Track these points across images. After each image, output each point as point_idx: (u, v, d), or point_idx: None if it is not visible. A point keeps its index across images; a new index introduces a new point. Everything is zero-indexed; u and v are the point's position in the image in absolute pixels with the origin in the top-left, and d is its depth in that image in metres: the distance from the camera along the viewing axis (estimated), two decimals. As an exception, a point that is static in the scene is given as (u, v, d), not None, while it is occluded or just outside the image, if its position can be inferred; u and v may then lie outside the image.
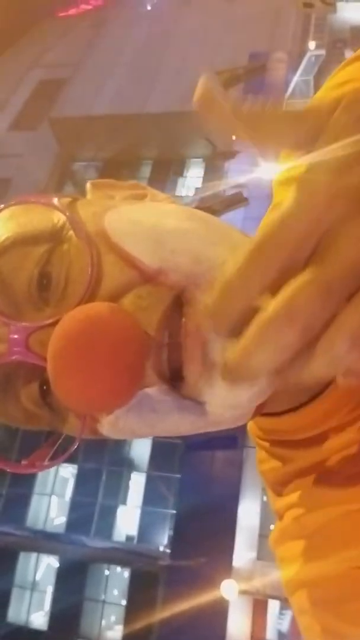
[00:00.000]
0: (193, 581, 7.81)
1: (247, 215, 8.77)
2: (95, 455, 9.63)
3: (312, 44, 14.10)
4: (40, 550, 9.95)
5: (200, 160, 13.15)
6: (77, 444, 0.38)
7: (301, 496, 0.46)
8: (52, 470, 10.31)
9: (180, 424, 0.37)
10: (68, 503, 10.14)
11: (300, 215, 0.22)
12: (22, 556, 10.12)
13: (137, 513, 9.77)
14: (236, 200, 9.55)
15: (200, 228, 0.37)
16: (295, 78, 13.19)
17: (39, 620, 9.78)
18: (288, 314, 0.22)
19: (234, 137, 0.26)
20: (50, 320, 0.35)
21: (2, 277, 0.37)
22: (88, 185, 0.48)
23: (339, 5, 15.38)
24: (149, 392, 0.35)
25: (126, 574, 9.64)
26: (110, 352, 0.31)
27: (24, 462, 0.40)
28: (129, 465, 10.15)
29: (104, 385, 0.31)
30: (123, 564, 9.54)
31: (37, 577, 10.02)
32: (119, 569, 9.77)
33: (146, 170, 13.14)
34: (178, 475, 9.45)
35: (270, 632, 8.54)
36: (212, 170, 12.46)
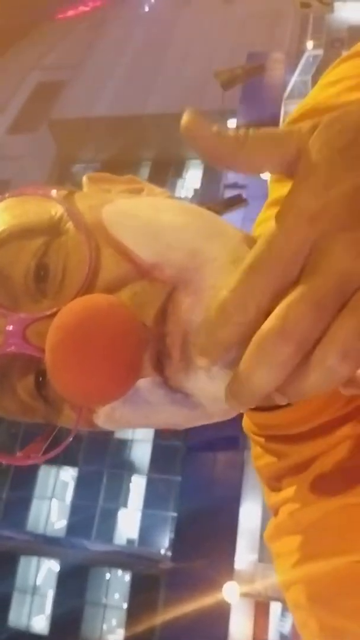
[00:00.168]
0: (194, 584, 7.81)
1: (247, 216, 8.79)
2: (95, 458, 9.64)
3: (309, 44, 14.13)
4: (41, 554, 9.96)
5: (199, 161, 13.16)
6: (73, 435, 0.38)
7: (296, 491, 0.46)
8: (53, 473, 10.31)
9: (174, 415, 0.37)
10: (68, 506, 10.15)
11: (286, 237, 0.24)
12: (23, 560, 10.12)
13: (138, 516, 9.78)
14: (236, 201, 9.56)
15: (195, 223, 0.37)
16: (294, 78, 13.22)
17: (40, 624, 9.77)
18: (282, 332, 0.24)
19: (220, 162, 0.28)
20: (47, 312, 0.35)
21: None
22: (84, 178, 0.49)
23: (337, 5, 15.40)
24: (144, 384, 0.35)
25: (127, 577, 9.64)
26: (108, 344, 0.31)
27: (18, 454, 0.40)
28: (130, 468, 10.15)
29: (102, 377, 0.31)
30: (124, 567, 9.55)
31: (38, 581, 10.02)
32: (120, 572, 9.77)
33: (145, 172, 13.15)
34: (179, 478, 9.46)
35: (272, 635, 8.54)
36: (211, 172, 12.47)
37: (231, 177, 11.00)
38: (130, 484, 10.11)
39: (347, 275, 0.23)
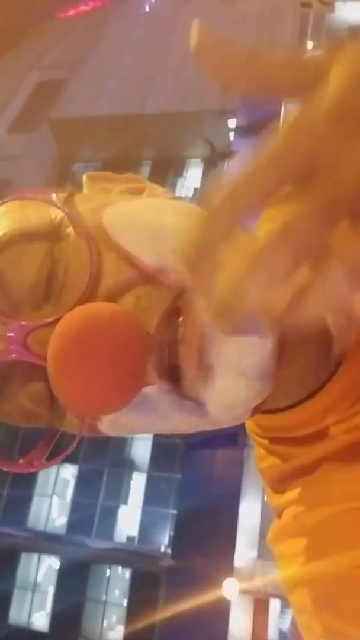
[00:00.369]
0: (194, 581, 7.80)
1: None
2: (96, 456, 9.62)
3: (309, 44, 14.10)
4: (41, 551, 9.94)
5: (199, 160, 13.14)
6: (77, 442, 0.38)
7: (301, 494, 0.45)
8: (53, 471, 10.30)
9: (181, 423, 0.37)
10: (69, 504, 10.13)
11: (303, 130, 0.21)
12: (24, 557, 10.10)
13: (138, 513, 9.76)
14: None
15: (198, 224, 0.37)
16: (294, 78, 13.17)
17: (41, 621, 9.76)
18: (284, 233, 0.21)
19: (234, 87, 0.24)
20: (49, 320, 0.34)
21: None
22: (85, 178, 0.47)
23: (337, 5, 15.37)
24: (150, 391, 0.35)
25: (127, 574, 9.62)
26: (111, 353, 0.31)
27: (20, 461, 0.39)
28: (130, 466, 10.13)
29: (105, 386, 0.31)
30: (124, 564, 9.53)
31: (39, 578, 10.00)
32: (120, 569, 9.75)
33: (145, 171, 13.12)
34: (179, 475, 9.44)
35: (272, 631, 8.53)
36: (212, 171, 12.44)
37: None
38: (131, 482, 10.08)
39: None
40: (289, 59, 0.23)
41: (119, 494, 9.97)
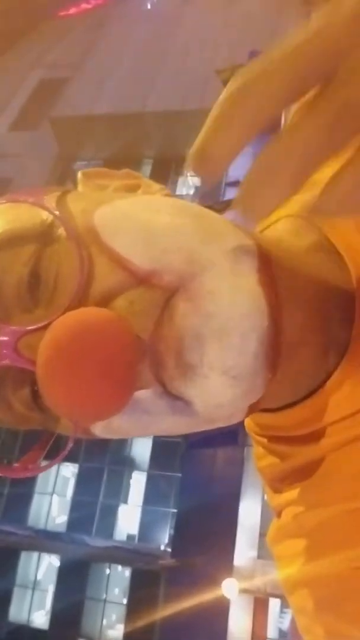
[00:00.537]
0: (194, 580, 7.81)
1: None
2: (96, 455, 9.63)
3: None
4: (41, 549, 9.95)
5: (201, 159, 13.11)
6: (70, 445, 0.37)
7: (300, 493, 0.44)
8: (54, 469, 10.31)
9: (174, 425, 0.37)
10: (69, 502, 10.15)
11: (323, 31, 0.20)
12: (24, 555, 10.13)
13: (138, 512, 9.78)
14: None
15: (192, 224, 0.36)
16: (296, 77, 13.16)
17: (40, 619, 9.78)
18: (293, 139, 0.21)
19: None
20: (39, 324, 0.34)
21: None
22: (79, 175, 0.47)
23: (339, 4, 15.33)
24: (143, 395, 0.34)
25: (127, 573, 9.64)
26: (101, 361, 0.31)
27: (15, 465, 0.39)
28: (130, 464, 10.14)
29: (96, 395, 0.31)
30: (124, 563, 9.54)
31: (39, 576, 10.02)
32: (120, 568, 9.77)
33: (147, 169, 13.12)
34: (179, 474, 9.44)
35: (271, 631, 8.53)
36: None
37: (232, 175, 10.99)
38: (131, 480, 10.09)
39: None
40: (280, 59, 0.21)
41: (119, 493, 9.99)
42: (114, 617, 9.50)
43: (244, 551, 8.45)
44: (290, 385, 0.41)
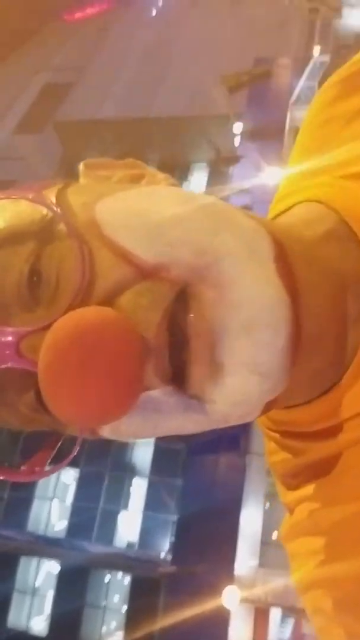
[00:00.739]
0: (194, 588, 7.79)
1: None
2: (97, 460, 9.62)
3: (317, 50, 14.14)
4: (41, 555, 9.95)
5: (205, 164, 13.18)
6: (77, 448, 0.37)
7: (315, 490, 0.43)
8: (54, 474, 10.30)
9: (185, 423, 0.36)
10: (69, 508, 10.15)
11: None
12: (23, 561, 10.11)
13: (138, 518, 9.77)
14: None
15: (199, 214, 0.35)
16: (300, 84, 13.22)
17: (39, 625, 9.76)
18: None
19: None
20: (41, 325, 0.33)
21: None
22: (81, 166, 0.45)
23: (345, 11, 15.42)
24: (152, 394, 0.33)
25: (127, 580, 9.62)
26: (104, 364, 0.30)
27: (23, 468, 0.38)
28: (131, 470, 10.15)
29: (100, 400, 0.30)
30: (124, 569, 9.54)
31: (38, 582, 10.01)
32: (120, 574, 9.76)
33: (150, 174, 13.17)
34: (180, 481, 9.44)
35: (272, 641, 8.49)
36: (217, 175, 12.48)
37: (236, 180, 11.01)
38: (131, 486, 10.10)
39: None
40: None
41: (120, 499, 9.98)
42: (113, 624, 9.48)
43: (245, 560, 8.42)
44: (307, 381, 0.40)
